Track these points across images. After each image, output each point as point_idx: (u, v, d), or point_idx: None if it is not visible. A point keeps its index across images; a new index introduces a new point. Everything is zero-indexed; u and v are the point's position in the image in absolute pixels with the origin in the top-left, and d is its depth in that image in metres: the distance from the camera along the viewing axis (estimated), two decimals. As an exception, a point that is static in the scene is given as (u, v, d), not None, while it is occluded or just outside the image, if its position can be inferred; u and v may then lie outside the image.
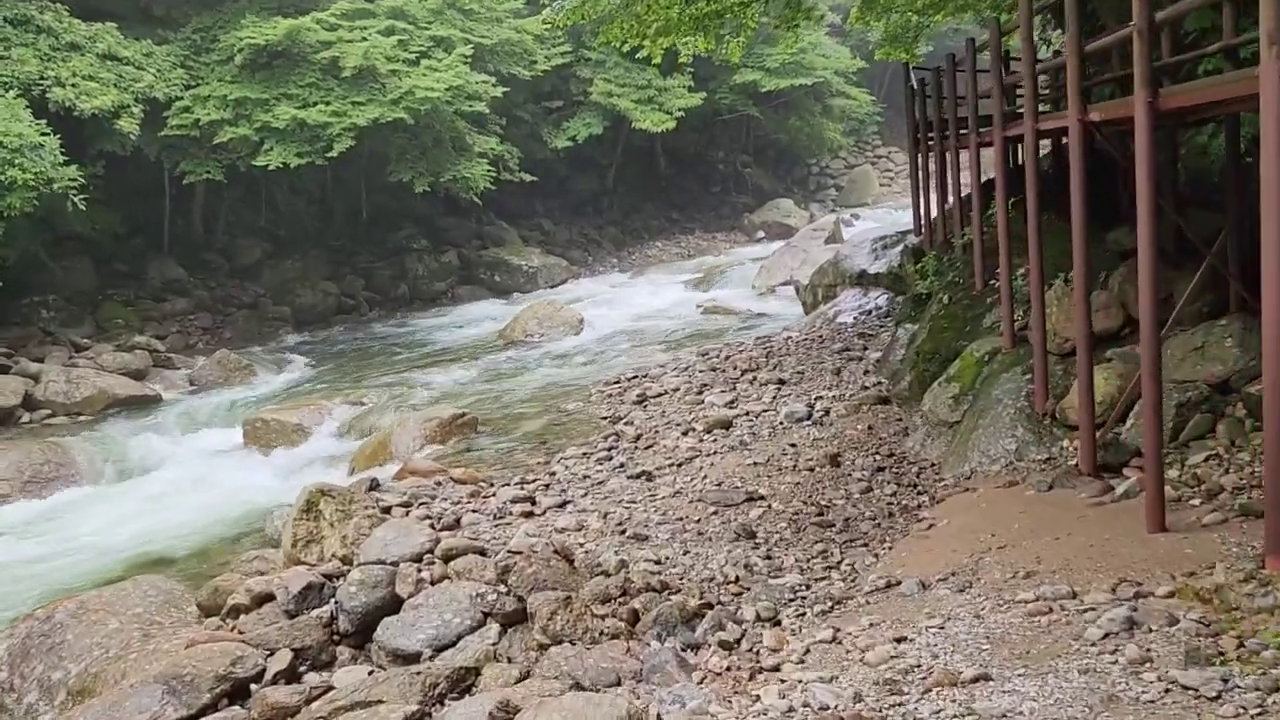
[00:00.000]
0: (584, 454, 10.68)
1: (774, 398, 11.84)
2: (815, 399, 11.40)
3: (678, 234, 37.88)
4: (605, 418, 12.54)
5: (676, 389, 13.13)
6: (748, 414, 11.23)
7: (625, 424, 11.79)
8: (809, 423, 10.52)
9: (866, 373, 12.46)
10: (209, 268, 24.58)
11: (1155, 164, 7.31)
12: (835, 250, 19.28)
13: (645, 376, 14.50)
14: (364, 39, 21.68)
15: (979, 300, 11.06)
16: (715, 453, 9.94)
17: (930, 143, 15.35)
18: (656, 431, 11.21)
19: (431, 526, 8.28)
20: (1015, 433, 8.59)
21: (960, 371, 10.10)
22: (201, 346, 21.41)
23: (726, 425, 10.77)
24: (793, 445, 9.81)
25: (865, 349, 13.81)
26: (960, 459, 8.83)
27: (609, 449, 10.74)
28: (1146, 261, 6.03)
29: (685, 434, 10.85)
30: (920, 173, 16.71)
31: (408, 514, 8.82)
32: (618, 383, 14.45)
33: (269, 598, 7.26)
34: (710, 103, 35.28)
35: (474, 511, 8.83)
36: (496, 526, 8.40)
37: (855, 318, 15.97)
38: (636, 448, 10.69)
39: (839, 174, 46.69)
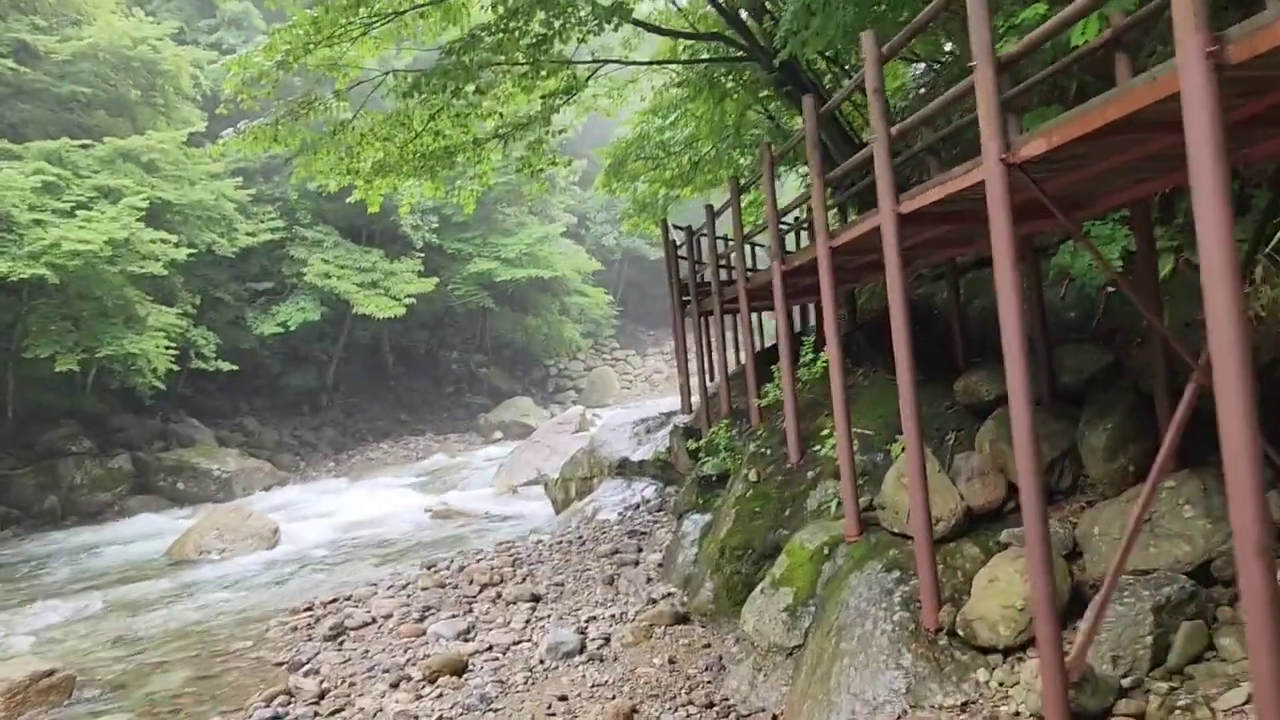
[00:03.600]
0: (228, 731, 6.70)
1: (528, 621, 8.39)
2: (587, 621, 8.07)
3: (406, 436, 34.07)
4: (281, 664, 8.56)
5: (389, 615, 9.39)
6: (491, 649, 7.68)
7: (307, 673, 7.89)
8: (583, 658, 7.14)
9: (649, 580, 9.31)
10: None
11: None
12: (589, 437, 16.44)
13: (348, 600, 10.62)
14: (-3, 180, 17.33)
15: (797, 475, 8.35)
16: (441, 718, 6.30)
17: (703, 304, 13.09)
18: (352, 684, 7.40)
19: None
20: (901, 661, 5.63)
21: (790, 572, 7.18)
22: None
23: (459, 669, 7.17)
24: (562, 698, 6.38)
25: (640, 550, 10.74)
26: (821, 708, 5.74)
27: (273, 719, 6.81)
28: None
29: (396, 686, 7.14)
30: (687, 339, 14.39)
31: None
32: (309, 610, 10.48)
33: None
34: (443, 294, 32.64)
35: None
36: None
37: (620, 513, 12.96)
38: (317, 714, 6.83)
39: (578, 375, 45.05)
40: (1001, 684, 5.24)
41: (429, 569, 11.58)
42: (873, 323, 10.46)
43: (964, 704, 5.20)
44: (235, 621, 10.87)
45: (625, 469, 14.41)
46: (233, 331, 27.12)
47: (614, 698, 6.32)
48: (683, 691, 6.47)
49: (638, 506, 13.08)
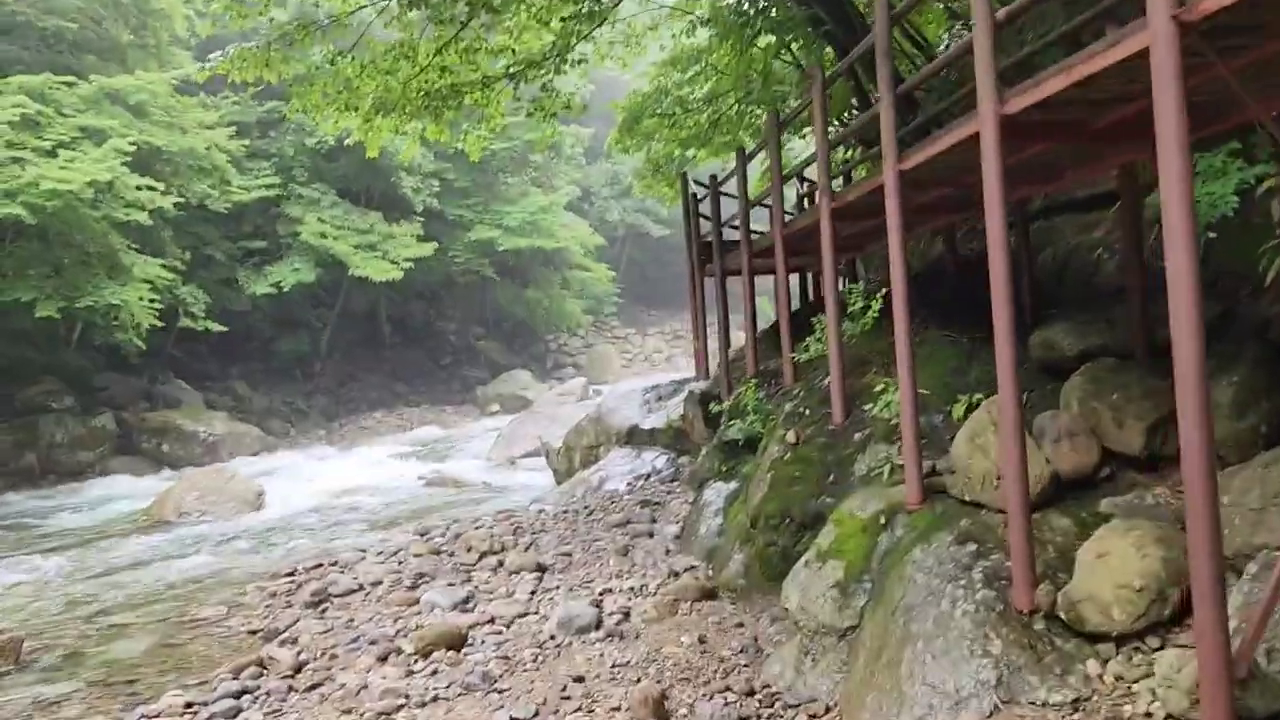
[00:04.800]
0: (188, 706, 5.77)
1: (533, 593, 7.47)
2: (601, 593, 7.16)
3: (401, 406, 33.09)
4: (255, 632, 7.64)
5: (378, 582, 8.48)
6: (493, 621, 6.76)
7: (283, 643, 6.97)
8: (599, 635, 6.22)
9: (668, 552, 8.40)
10: None
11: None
12: (597, 404, 15.50)
13: (334, 565, 9.70)
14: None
15: (842, 438, 7.42)
16: (436, 698, 5.39)
17: (727, 260, 12.12)
18: (334, 656, 6.49)
19: None
20: (989, 648, 4.71)
21: (839, 543, 6.25)
22: None
23: (458, 643, 6.24)
24: (578, 679, 5.46)
25: (654, 521, 9.82)
26: (890, 700, 4.83)
27: (240, 694, 5.89)
28: None
29: (384, 659, 6.22)
30: (706, 300, 13.45)
31: None
32: (290, 575, 9.56)
33: None
34: (442, 263, 31.55)
35: None
36: None
37: (629, 483, 12.03)
38: (291, 689, 5.91)
39: (577, 352, 44.09)
40: (1120, 678, 4.32)
41: (422, 535, 10.68)
42: (920, 277, 9.51)
43: (1075, 701, 4.28)
44: (209, 586, 9.96)
45: (634, 437, 13.49)
46: (224, 292, 26.11)
47: (639, 680, 5.40)
48: (717, 675, 5.55)
49: (648, 476, 12.16)
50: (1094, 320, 6.72)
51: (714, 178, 11.70)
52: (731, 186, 12.75)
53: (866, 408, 7.36)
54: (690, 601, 6.75)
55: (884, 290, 7.74)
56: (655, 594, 6.97)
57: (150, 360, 25.16)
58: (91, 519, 15.91)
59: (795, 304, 13.80)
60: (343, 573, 9.09)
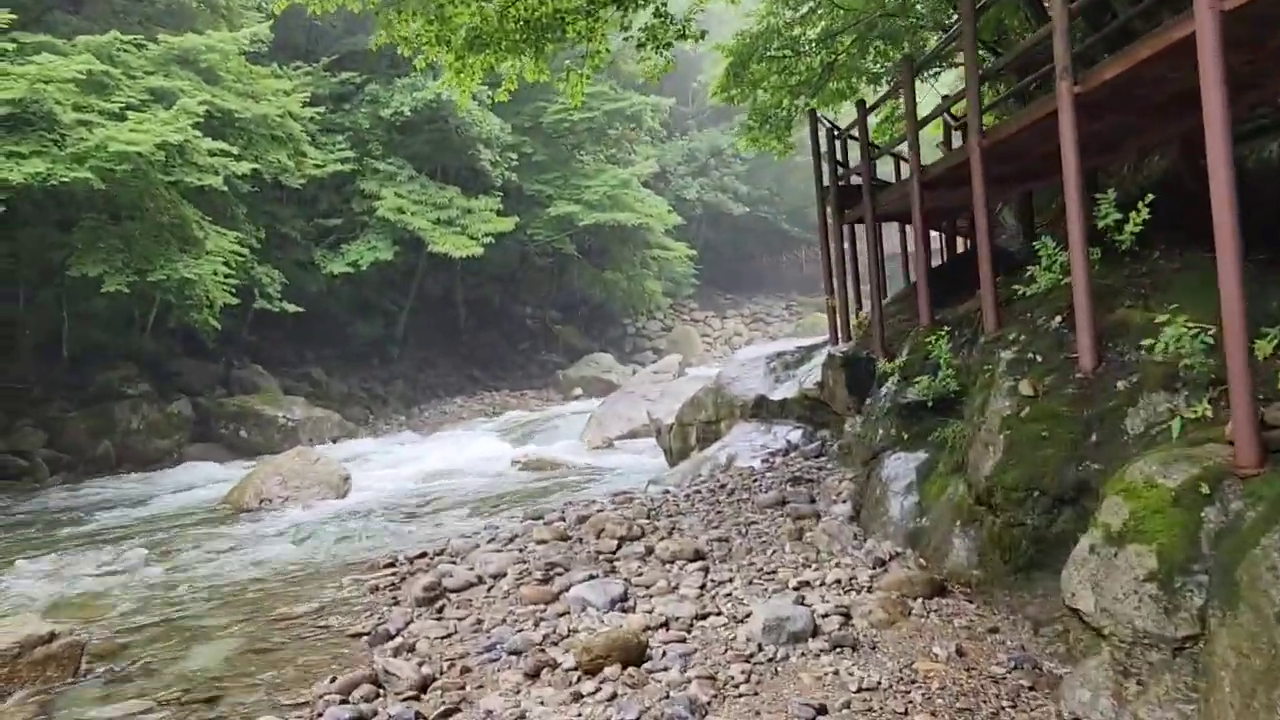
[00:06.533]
0: (288, 739, 4.38)
1: (703, 587, 5.96)
2: (798, 587, 5.61)
3: (480, 391, 31.96)
4: (362, 634, 6.27)
5: (501, 574, 7.04)
6: (667, 625, 5.25)
7: (398, 651, 5.56)
8: (821, 644, 4.68)
9: (856, 537, 6.82)
10: None
11: None
12: (715, 376, 13.94)
13: (441, 554, 8.33)
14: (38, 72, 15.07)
15: (1096, 388, 5.78)
16: (626, 736, 3.90)
17: (880, 199, 10.44)
18: (466, 670, 5.05)
19: None
20: None
21: (1138, 522, 4.62)
22: None
23: (636, 656, 4.73)
24: (820, 709, 3.94)
25: (814, 501, 8.26)
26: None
27: (353, 721, 4.48)
28: None
29: (535, 676, 4.77)
30: (840, 252, 11.80)
31: None
32: (391, 566, 8.23)
33: None
34: (518, 244, 30.26)
35: None
36: None
37: (766, 460, 10.49)
38: (420, 715, 4.48)
39: (656, 335, 42.61)
40: None
41: (538, 520, 9.25)
42: (1162, 188, 7.77)
43: None
44: (299, 579, 8.68)
45: (762, 410, 11.94)
46: (299, 274, 25.12)
47: (905, 713, 3.86)
48: (1006, 705, 3.99)
49: (786, 452, 10.61)
50: None
51: (861, 103, 10.07)
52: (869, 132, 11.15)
53: (1131, 348, 5.70)
54: (920, 599, 5.19)
55: (1146, 199, 6.07)
56: (871, 589, 5.41)
57: (226, 345, 24.33)
58: (168, 507, 14.83)
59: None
60: (455, 562, 7.69)
